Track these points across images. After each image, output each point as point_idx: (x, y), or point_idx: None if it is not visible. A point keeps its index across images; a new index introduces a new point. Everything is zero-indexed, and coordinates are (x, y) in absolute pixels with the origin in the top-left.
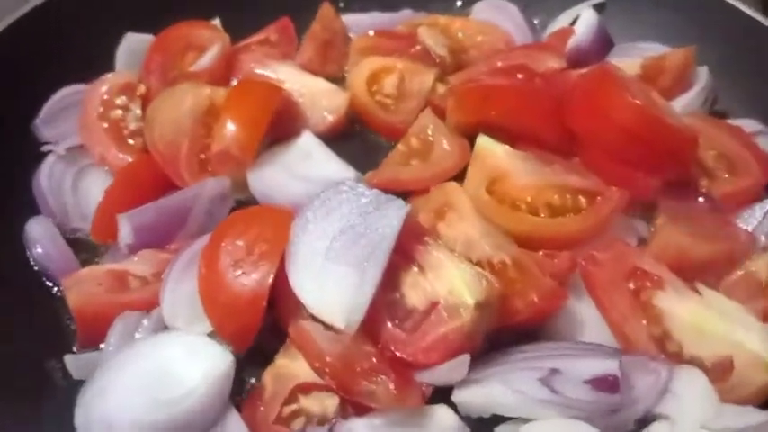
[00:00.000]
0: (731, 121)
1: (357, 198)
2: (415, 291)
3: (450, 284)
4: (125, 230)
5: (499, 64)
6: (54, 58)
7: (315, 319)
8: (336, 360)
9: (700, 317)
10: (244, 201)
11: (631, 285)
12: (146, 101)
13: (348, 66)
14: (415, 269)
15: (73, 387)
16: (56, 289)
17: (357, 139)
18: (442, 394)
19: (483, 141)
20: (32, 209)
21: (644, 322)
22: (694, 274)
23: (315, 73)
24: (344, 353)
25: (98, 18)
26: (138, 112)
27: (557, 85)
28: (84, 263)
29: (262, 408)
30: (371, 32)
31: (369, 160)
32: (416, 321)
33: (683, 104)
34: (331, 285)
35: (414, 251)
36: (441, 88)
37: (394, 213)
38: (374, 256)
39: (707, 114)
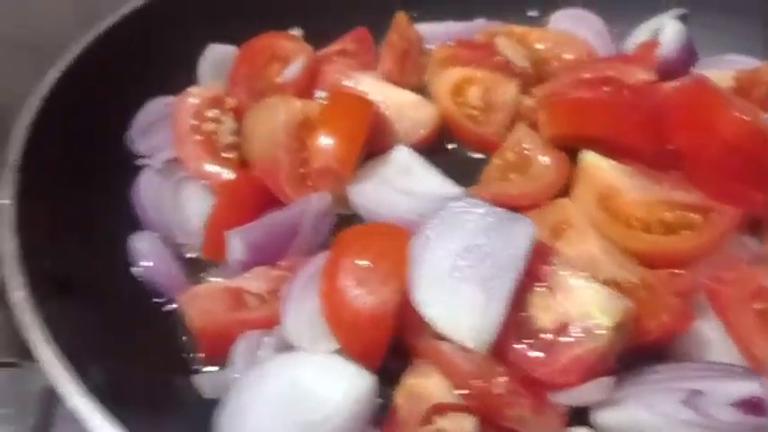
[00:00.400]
0: None
1: (482, 216)
2: (544, 311)
3: (584, 305)
4: (236, 247)
5: (586, 75)
6: (138, 72)
7: (440, 338)
8: (481, 382)
9: None
10: (344, 216)
11: (757, 305)
12: (236, 114)
13: (426, 76)
14: (543, 289)
15: (201, 405)
16: (165, 305)
17: (443, 152)
18: (574, 416)
19: (589, 157)
20: (132, 224)
21: None
22: None
23: (395, 83)
24: (485, 374)
25: (178, 30)
26: (231, 125)
27: (647, 97)
28: (189, 278)
29: (399, 430)
30: (450, 43)
31: (459, 174)
32: (546, 342)
33: None
34: (459, 305)
35: (539, 270)
36: (524, 100)
37: (522, 232)
38: (503, 275)
39: None
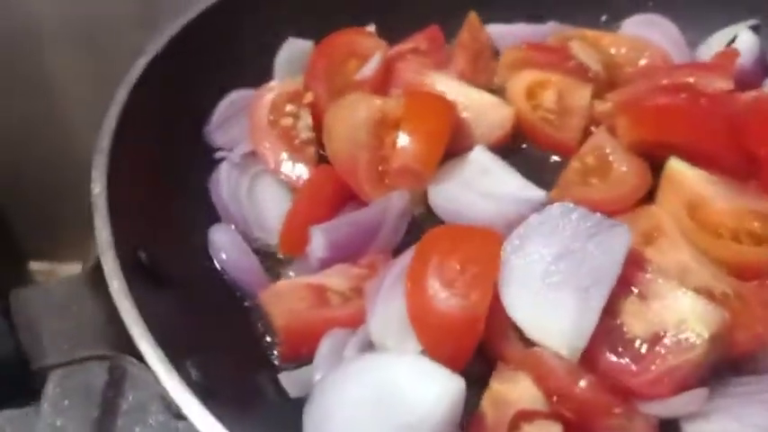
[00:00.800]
0: None
1: (577, 221)
2: (636, 319)
3: (680, 314)
4: (319, 244)
5: (664, 82)
6: (217, 64)
7: (527, 344)
8: (582, 391)
9: None
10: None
11: None
12: (314, 109)
13: (497, 79)
14: (635, 297)
15: (286, 403)
16: (245, 300)
17: (522, 154)
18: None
19: (675, 164)
20: (211, 217)
21: None
22: None
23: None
24: (578, 382)
25: (256, 24)
26: (309, 120)
27: (726, 106)
28: (268, 274)
29: None
30: (523, 45)
31: (534, 176)
32: (638, 351)
33: None
34: (552, 310)
35: (633, 277)
36: (598, 105)
37: (618, 239)
38: (598, 281)
39: None
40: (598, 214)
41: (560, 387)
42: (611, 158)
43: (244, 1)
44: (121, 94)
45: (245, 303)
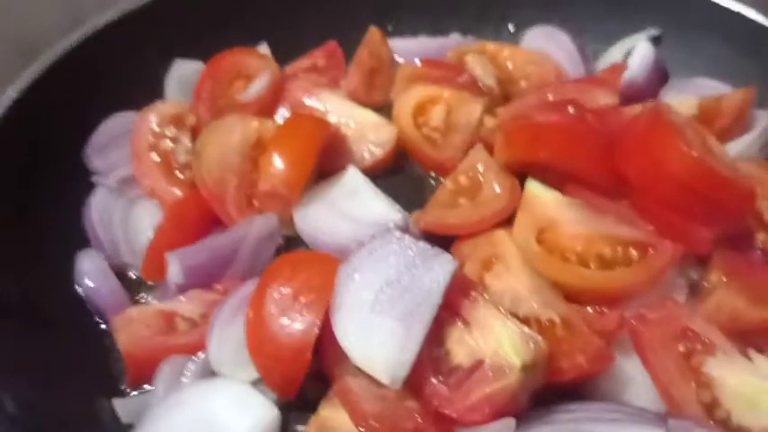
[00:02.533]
0: None
1: (404, 250)
2: (460, 347)
3: (496, 343)
4: (175, 270)
5: (550, 97)
6: (103, 85)
7: (359, 370)
8: (380, 422)
9: (750, 386)
10: (290, 237)
11: (681, 347)
12: (195, 132)
13: (393, 94)
14: (461, 324)
15: (121, 428)
16: (104, 324)
17: (402, 173)
18: None
19: (532, 187)
20: (83, 242)
21: (693, 385)
22: (747, 337)
23: (360, 101)
24: (388, 412)
25: (146, 44)
26: (188, 143)
27: (608, 123)
28: (131, 298)
29: None
30: (418, 61)
31: (416, 196)
32: (461, 378)
33: (740, 149)
34: (376, 339)
35: (460, 305)
36: (488, 120)
37: (441, 269)
38: (420, 311)
39: (765, 161)
40: (422, 243)
41: (361, 419)
42: (482, 178)
43: (136, 21)
44: None
45: (102, 327)
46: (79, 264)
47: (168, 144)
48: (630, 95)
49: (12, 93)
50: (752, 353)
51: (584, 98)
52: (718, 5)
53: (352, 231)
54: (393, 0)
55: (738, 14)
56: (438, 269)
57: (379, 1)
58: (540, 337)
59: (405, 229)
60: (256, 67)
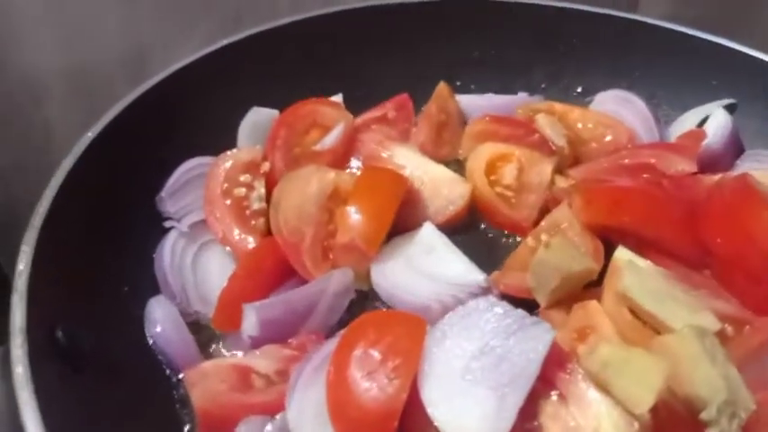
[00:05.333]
0: None
1: (500, 317)
2: (555, 422)
3: (596, 422)
4: (250, 322)
5: (625, 161)
6: (179, 131)
7: None
8: None
9: None
10: (363, 291)
11: None
12: (269, 180)
13: (462, 150)
14: (556, 398)
15: None
16: (173, 375)
17: (476, 232)
18: None
19: (624, 254)
20: (155, 289)
21: None
22: None
23: (429, 155)
24: None
25: (222, 91)
26: (262, 191)
27: (687, 190)
28: (201, 348)
29: None
30: (487, 118)
31: (488, 256)
32: None
33: None
34: (468, 408)
35: (555, 378)
36: (559, 181)
37: (539, 338)
38: (517, 381)
39: None
40: (520, 311)
41: None
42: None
43: (211, 67)
44: (65, 166)
45: (173, 380)
46: (150, 311)
47: (242, 191)
48: (706, 164)
49: (90, 135)
50: None
51: (662, 164)
52: None
53: (432, 290)
54: (463, 57)
55: None
56: (537, 338)
57: (450, 58)
58: (645, 418)
59: (486, 292)
60: (331, 117)
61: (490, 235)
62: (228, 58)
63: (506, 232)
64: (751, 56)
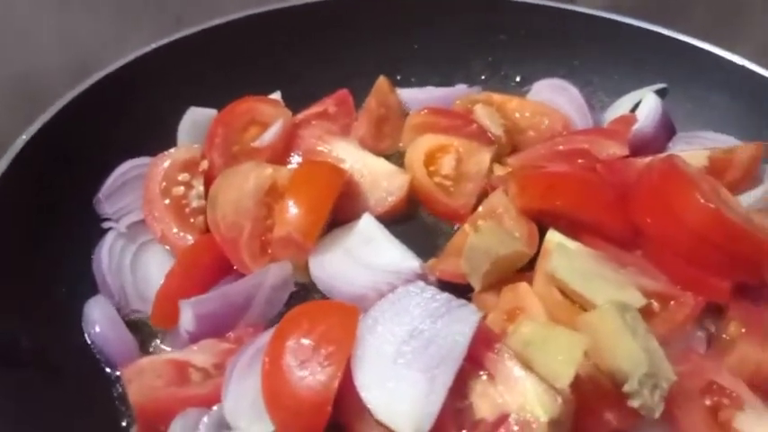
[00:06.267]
0: None
1: (428, 301)
2: (484, 400)
3: (522, 398)
4: (187, 318)
5: (560, 147)
6: (117, 131)
7: (380, 424)
8: None
9: None
10: (304, 284)
11: (708, 401)
12: (208, 177)
13: (403, 143)
14: (485, 377)
15: None
16: (112, 373)
17: (415, 221)
18: None
19: (555, 237)
20: (93, 289)
21: None
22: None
23: (369, 148)
24: None
25: (160, 92)
26: (201, 189)
27: (619, 173)
28: (142, 345)
29: None
30: (425, 110)
31: (428, 243)
32: None
33: (751, 201)
34: (400, 392)
35: (483, 358)
36: (498, 169)
37: (466, 320)
38: (445, 363)
39: None
40: (447, 294)
41: None
42: (500, 223)
43: (150, 68)
44: (2, 165)
45: (112, 378)
46: (88, 312)
47: (180, 189)
48: (639, 148)
49: (24, 137)
50: None
51: (594, 149)
52: (722, 58)
53: (369, 279)
54: (402, 52)
55: (744, 68)
56: (463, 321)
57: (390, 52)
58: (568, 393)
59: (422, 278)
60: (269, 114)
61: (430, 224)
62: (165, 58)
63: (446, 220)
64: (682, 41)
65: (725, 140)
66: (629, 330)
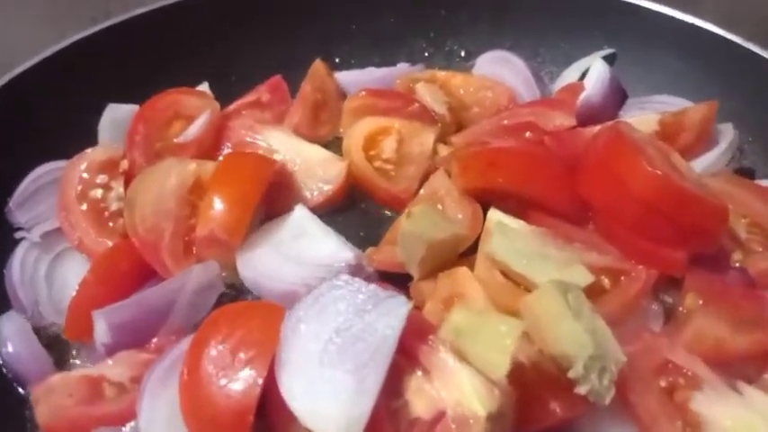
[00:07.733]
0: (759, 182)
1: (353, 294)
2: (420, 397)
3: (458, 393)
4: (101, 329)
5: (505, 122)
6: (29, 133)
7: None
8: None
9: (743, 423)
10: (235, 284)
11: (662, 383)
12: (128, 178)
13: (342, 127)
14: (420, 373)
15: None
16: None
17: (357, 210)
18: None
19: (495, 216)
20: (5, 303)
21: (679, 425)
22: (732, 367)
23: (306, 136)
24: None
25: (77, 89)
26: (120, 190)
27: (567, 145)
28: (59, 362)
29: None
30: (363, 92)
31: (372, 234)
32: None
33: (707, 164)
34: (326, 394)
35: (418, 351)
36: (442, 149)
37: (395, 312)
38: (374, 360)
39: (734, 175)
40: (373, 286)
41: None
42: (442, 206)
43: (60, 65)
44: None
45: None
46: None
47: (98, 193)
48: (588, 116)
49: None
50: (741, 385)
51: (541, 121)
52: (671, 18)
53: (298, 274)
54: (340, 32)
55: (693, 26)
56: (392, 313)
57: (325, 34)
58: (505, 384)
59: (358, 270)
60: (195, 106)
61: (373, 212)
62: (81, 54)
63: (390, 208)
64: (628, 3)
65: (680, 103)
66: (572, 311)
